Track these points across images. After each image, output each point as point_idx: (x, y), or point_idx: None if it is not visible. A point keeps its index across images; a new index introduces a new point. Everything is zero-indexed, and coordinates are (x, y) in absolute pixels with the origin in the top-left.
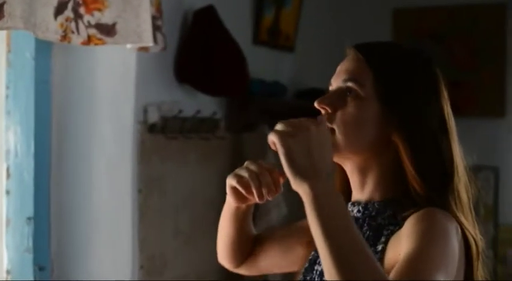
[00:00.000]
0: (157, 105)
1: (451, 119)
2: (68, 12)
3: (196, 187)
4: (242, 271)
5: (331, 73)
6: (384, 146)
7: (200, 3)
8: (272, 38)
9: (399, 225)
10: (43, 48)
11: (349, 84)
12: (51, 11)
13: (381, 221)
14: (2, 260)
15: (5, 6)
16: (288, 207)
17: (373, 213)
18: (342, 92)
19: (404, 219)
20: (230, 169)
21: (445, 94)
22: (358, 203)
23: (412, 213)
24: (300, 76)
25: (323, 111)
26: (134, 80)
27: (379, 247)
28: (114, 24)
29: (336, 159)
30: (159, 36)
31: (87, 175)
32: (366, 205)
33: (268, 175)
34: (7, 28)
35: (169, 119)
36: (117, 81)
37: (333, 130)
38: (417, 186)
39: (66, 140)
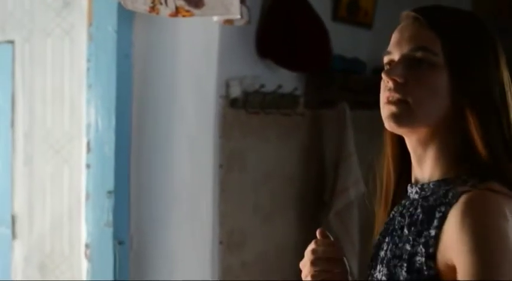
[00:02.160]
0: (239, 79)
1: (511, 92)
2: None
3: (275, 163)
4: None
5: None
6: (452, 117)
7: None
8: (351, 14)
9: (450, 204)
10: (125, 21)
11: (420, 54)
12: None
13: (432, 202)
14: (81, 234)
15: None
16: (366, 184)
17: (428, 193)
18: (411, 61)
19: (455, 197)
20: (309, 146)
21: (505, 66)
22: (416, 183)
23: (461, 194)
24: (378, 53)
25: (391, 83)
26: (217, 54)
27: (433, 232)
28: None
29: (404, 130)
30: (243, 9)
31: (168, 149)
32: (423, 186)
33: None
34: None
35: (250, 94)
36: (199, 55)
37: (405, 102)
38: (486, 158)
39: (147, 114)
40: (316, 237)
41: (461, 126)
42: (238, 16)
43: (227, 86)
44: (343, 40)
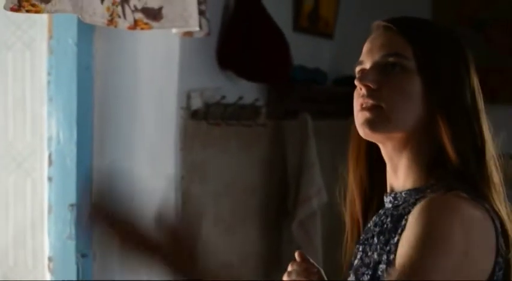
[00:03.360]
0: (200, 91)
1: (481, 98)
2: None
3: (237, 173)
4: None
5: None
6: (425, 123)
7: None
8: (312, 24)
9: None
10: (85, 34)
11: (392, 59)
12: None
13: (401, 211)
14: (43, 246)
15: None
16: (328, 194)
17: (400, 202)
18: (384, 68)
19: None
20: (271, 156)
21: (474, 72)
22: (391, 192)
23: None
24: (340, 63)
25: (364, 89)
26: (177, 66)
27: (395, 239)
28: (160, 9)
29: (379, 137)
30: (203, 21)
31: (130, 161)
32: (395, 195)
33: None
34: (55, 11)
35: (211, 106)
36: (160, 67)
37: (379, 107)
38: (457, 164)
39: (108, 126)
40: (276, 247)
41: (433, 133)
42: (197, 28)
43: (188, 97)
44: (304, 50)
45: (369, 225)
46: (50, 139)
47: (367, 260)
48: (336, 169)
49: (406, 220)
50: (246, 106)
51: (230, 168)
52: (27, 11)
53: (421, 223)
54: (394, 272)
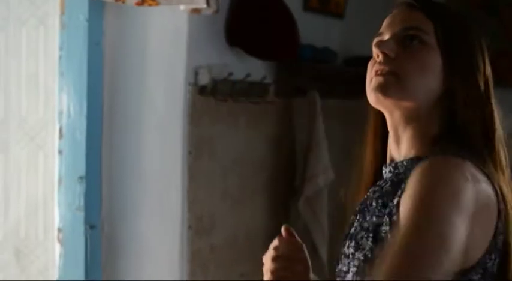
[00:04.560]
0: (208, 67)
1: (492, 84)
2: None
3: (245, 150)
4: None
5: None
6: (438, 97)
7: None
8: (322, 4)
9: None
10: (96, 10)
11: (412, 32)
12: None
13: (402, 176)
14: (53, 218)
15: None
16: (335, 172)
17: (401, 170)
18: (403, 39)
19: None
20: (279, 133)
21: (488, 61)
22: (391, 163)
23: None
24: (350, 43)
25: (381, 56)
26: (186, 42)
27: (395, 200)
28: None
29: (389, 103)
30: None
31: (138, 135)
32: (396, 164)
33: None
34: None
35: (219, 82)
36: (169, 43)
37: (395, 74)
38: (464, 139)
39: (118, 101)
40: (284, 223)
41: (442, 108)
42: (204, 5)
43: (196, 73)
44: (314, 30)
45: (365, 196)
46: (60, 113)
47: (365, 225)
48: (343, 148)
49: (406, 183)
50: (254, 83)
51: (238, 144)
52: None
53: (423, 182)
54: (399, 232)
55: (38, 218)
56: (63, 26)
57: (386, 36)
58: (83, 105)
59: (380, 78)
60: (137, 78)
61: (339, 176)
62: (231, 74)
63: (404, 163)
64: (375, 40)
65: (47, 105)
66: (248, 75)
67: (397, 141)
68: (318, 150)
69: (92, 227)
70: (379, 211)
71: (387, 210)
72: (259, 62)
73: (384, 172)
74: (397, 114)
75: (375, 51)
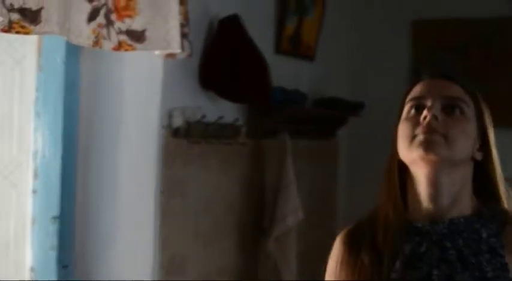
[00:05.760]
0: (182, 110)
1: None
2: (100, 19)
3: (216, 190)
4: None
5: (350, 82)
6: (470, 159)
7: (225, 12)
8: (293, 47)
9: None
10: (73, 53)
11: (458, 102)
12: (84, 17)
13: (483, 234)
14: (26, 258)
15: (42, 12)
16: (304, 212)
17: (461, 228)
18: (447, 106)
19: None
20: (250, 174)
21: None
22: (431, 218)
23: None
24: (320, 85)
25: (430, 117)
26: (160, 85)
27: (503, 260)
28: (143, 31)
29: (434, 159)
30: (185, 43)
31: (112, 176)
32: (452, 221)
33: None
34: (44, 33)
35: (192, 124)
36: (144, 86)
37: (443, 135)
38: (501, 196)
39: (92, 142)
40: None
41: (473, 169)
42: (179, 50)
43: (170, 116)
44: (285, 72)
45: (405, 251)
46: (35, 153)
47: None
48: (313, 187)
49: (501, 239)
50: (226, 125)
51: (209, 185)
52: (17, 33)
53: None
54: None
55: (9, 257)
56: (40, 67)
57: (428, 101)
58: (57, 146)
59: (429, 136)
60: (112, 120)
61: (308, 216)
62: (204, 116)
63: (462, 220)
64: (414, 101)
65: (21, 145)
66: (221, 117)
67: (434, 196)
68: (287, 190)
69: (64, 267)
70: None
71: (498, 265)
72: (231, 104)
73: (427, 227)
74: (437, 169)
75: (425, 113)
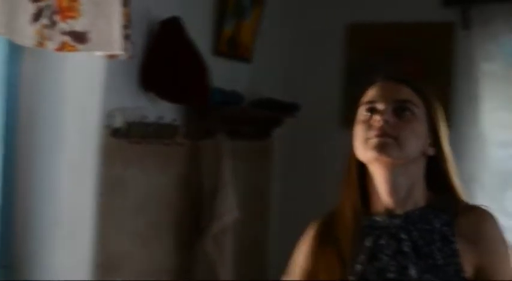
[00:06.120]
0: (122, 110)
1: None
2: (44, 20)
3: (154, 190)
4: None
5: (285, 84)
6: (419, 156)
7: (166, 14)
8: (231, 49)
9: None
10: (14, 52)
11: (407, 104)
12: (28, 17)
13: (436, 224)
14: None
15: None
16: (240, 210)
17: (416, 219)
18: (398, 109)
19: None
20: (188, 174)
21: None
22: (388, 212)
23: (468, 209)
24: (257, 86)
25: (382, 122)
26: (101, 85)
27: (455, 245)
28: (86, 32)
29: (388, 161)
30: (127, 44)
31: (52, 176)
32: (407, 214)
33: None
34: None
35: (132, 124)
36: (85, 86)
37: (394, 137)
38: (454, 187)
39: (32, 141)
40: (195, 260)
41: (425, 164)
42: (121, 52)
43: (110, 116)
44: (222, 73)
45: (367, 244)
46: None
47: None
48: (250, 186)
49: (453, 227)
50: (165, 125)
51: (148, 185)
52: None
53: (494, 233)
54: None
55: None
56: None
57: (380, 105)
58: None
59: (381, 140)
60: (53, 119)
61: (245, 215)
62: (144, 116)
63: (417, 212)
64: (367, 105)
65: None
66: (161, 117)
67: (391, 192)
68: (224, 190)
69: (3, 267)
70: (441, 252)
71: (448, 253)
72: (170, 105)
73: (385, 220)
74: (391, 169)
75: (375, 117)
